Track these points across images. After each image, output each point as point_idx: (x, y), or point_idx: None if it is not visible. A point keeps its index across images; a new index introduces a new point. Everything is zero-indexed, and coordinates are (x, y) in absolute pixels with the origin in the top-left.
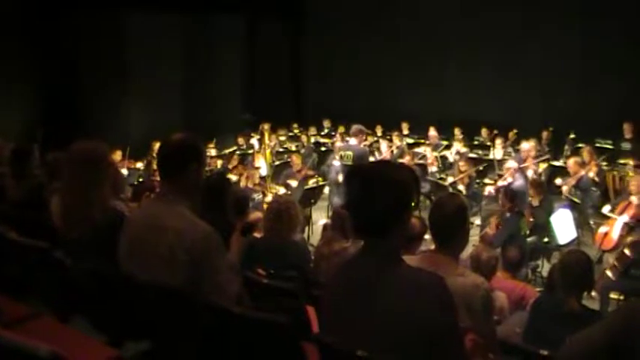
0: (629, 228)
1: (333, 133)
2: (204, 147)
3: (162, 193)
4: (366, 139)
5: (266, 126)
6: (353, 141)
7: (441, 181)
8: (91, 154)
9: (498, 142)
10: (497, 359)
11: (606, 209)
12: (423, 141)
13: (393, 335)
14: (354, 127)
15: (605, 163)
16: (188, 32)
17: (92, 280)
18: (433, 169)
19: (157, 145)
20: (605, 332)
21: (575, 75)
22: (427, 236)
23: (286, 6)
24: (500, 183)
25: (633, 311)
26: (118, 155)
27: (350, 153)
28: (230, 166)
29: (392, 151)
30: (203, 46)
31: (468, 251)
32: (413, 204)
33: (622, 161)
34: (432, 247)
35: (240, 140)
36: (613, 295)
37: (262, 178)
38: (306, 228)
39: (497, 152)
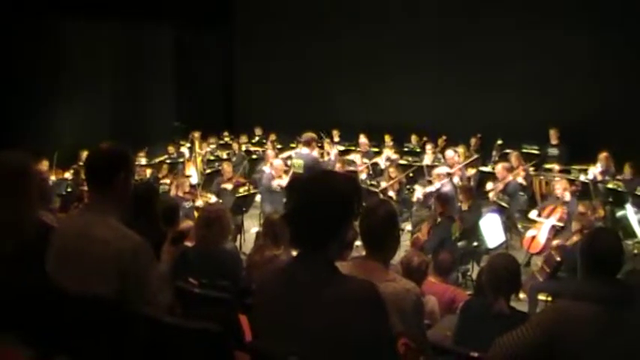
0: (555, 231)
1: (264, 141)
2: (132, 156)
3: (90, 203)
4: (315, 148)
5: (196, 134)
6: (305, 150)
7: (371, 188)
8: (14, 166)
9: (428, 148)
10: None
11: (533, 214)
12: (353, 148)
13: (326, 343)
14: (305, 136)
15: (532, 169)
16: (118, 40)
17: (20, 294)
18: (364, 175)
19: (85, 155)
20: (533, 332)
21: (502, 82)
22: (358, 242)
23: (216, 13)
24: (428, 189)
25: (560, 311)
26: (44, 165)
27: (301, 161)
28: (160, 175)
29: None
30: (133, 54)
31: (399, 256)
32: (353, 214)
33: (548, 166)
34: (363, 253)
35: (171, 149)
36: (541, 297)
37: (193, 186)
38: (238, 236)
39: (427, 158)
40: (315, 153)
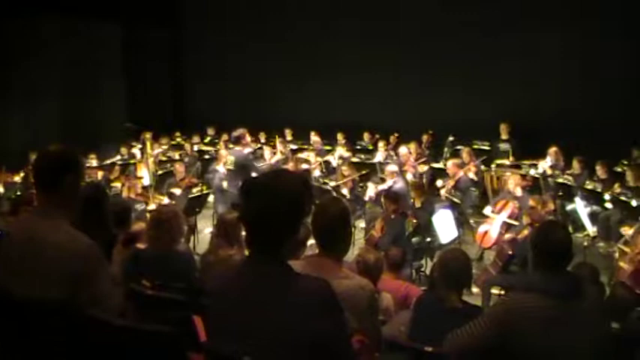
0: (507, 226)
1: (216, 141)
2: (81, 158)
3: (39, 206)
4: (248, 144)
5: (148, 135)
6: (236, 147)
7: (324, 186)
8: None
9: (381, 145)
10: (384, 358)
11: (487, 210)
12: (306, 146)
13: (282, 343)
14: (234, 133)
15: (483, 165)
16: (67, 39)
17: None
18: (317, 173)
19: (34, 157)
20: (486, 324)
21: (453, 79)
22: (311, 241)
23: (167, 12)
24: (381, 187)
25: (512, 303)
26: None
27: (232, 158)
28: (112, 177)
29: (276, 158)
30: (82, 53)
31: (353, 254)
32: (305, 212)
33: (499, 161)
34: (317, 251)
35: (123, 150)
36: (494, 291)
37: (145, 187)
38: (192, 237)
39: (379, 156)
40: (248, 149)
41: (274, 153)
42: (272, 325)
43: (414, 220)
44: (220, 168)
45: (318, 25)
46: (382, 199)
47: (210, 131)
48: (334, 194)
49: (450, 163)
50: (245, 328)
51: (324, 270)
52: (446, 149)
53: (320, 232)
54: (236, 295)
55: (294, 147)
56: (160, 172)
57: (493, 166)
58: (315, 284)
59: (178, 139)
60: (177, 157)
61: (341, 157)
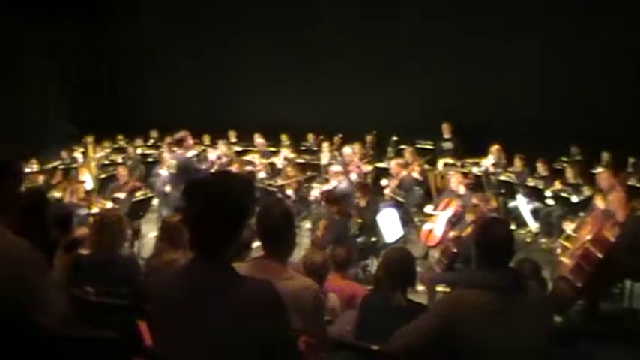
0: (451, 224)
1: (159, 144)
2: (20, 162)
3: None
4: (191, 147)
5: (90, 139)
6: (179, 150)
7: (269, 188)
8: None
9: (325, 146)
10: (330, 358)
11: (429, 209)
12: (251, 148)
13: (227, 346)
14: (176, 136)
15: (427, 164)
16: (6, 39)
17: None
18: (262, 175)
19: None
20: (430, 320)
21: (396, 79)
22: (257, 243)
23: (108, 13)
24: (326, 187)
25: (456, 299)
26: None
27: (174, 162)
28: (54, 182)
29: (220, 160)
30: (23, 55)
31: (299, 255)
32: (249, 214)
33: (442, 160)
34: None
35: (64, 154)
36: (439, 288)
37: (88, 192)
38: (136, 241)
39: (324, 157)
40: (192, 152)
41: (219, 156)
42: (216, 328)
43: (359, 220)
44: (163, 172)
45: (261, 26)
46: (326, 200)
47: (154, 134)
48: (279, 196)
49: (394, 162)
50: (189, 331)
51: (269, 272)
52: (389, 149)
53: (264, 234)
54: (179, 298)
55: (239, 149)
56: (102, 176)
57: (439, 165)
58: (259, 286)
59: (121, 143)
60: (120, 160)
61: (286, 159)
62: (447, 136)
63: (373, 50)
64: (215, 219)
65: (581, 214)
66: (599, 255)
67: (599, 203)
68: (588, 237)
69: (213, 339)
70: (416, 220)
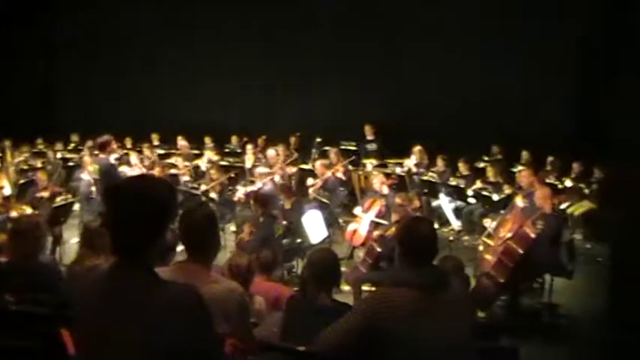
0: (376, 224)
1: (80, 148)
2: None
3: None
4: (114, 151)
5: (7, 143)
6: (102, 154)
7: (193, 190)
8: None
9: (249, 148)
10: None
11: (358, 210)
12: (174, 151)
13: (150, 353)
14: (99, 140)
15: (351, 164)
16: None
17: None
18: (185, 178)
19: None
20: (356, 319)
21: (319, 81)
22: (181, 247)
23: (27, 14)
24: (250, 189)
25: (380, 298)
26: None
27: (97, 166)
28: None
29: (142, 163)
30: None
31: (225, 258)
32: (170, 217)
33: (366, 161)
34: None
35: None
36: (365, 287)
37: (6, 198)
38: (57, 248)
39: (248, 159)
40: (114, 156)
41: (142, 159)
42: (140, 334)
43: (284, 222)
44: (85, 176)
45: (182, 27)
46: (251, 202)
47: (75, 137)
48: (203, 199)
49: (318, 163)
50: (113, 338)
51: (193, 276)
52: (314, 150)
53: (187, 237)
54: (100, 305)
55: (162, 152)
56: (21, 181)
57: (368, 166)
58: (181, 291)
59: (40, 147)
60: (39, 165)
61: (210, 161)
62: (370, 137)
63: (295, 52)
64: (136, 223)
65: (502, 211)
66: (520, 251)
67: (519, 201)
68: (509, 234)
69: (135, 346)
70: (340, 220)
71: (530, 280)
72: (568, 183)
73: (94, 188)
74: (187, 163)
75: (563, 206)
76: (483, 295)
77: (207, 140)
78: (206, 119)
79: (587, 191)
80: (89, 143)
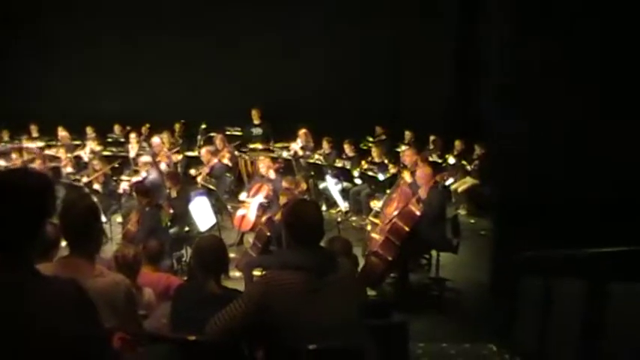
0: (264, 208)
1: None
2: None
3: None
4: None
5: None
6: None
7: (76, 182)
8: None
9: (132, 137)
10: (147, 352)
11: (244, 196)
12: (54, 142)
13: (37, 352)
14: None
15: (237, 150)
16: None
17: None
18: (68, 170)
19: None
20: (245, 304)
21: (202, 66)
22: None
23: None
24: (135, 179)
25: (268, 281)
26: None
27: None
28: None
29: (21, 156)
30: None
31: (112, 250)
32: (48, 211)
33: (252, 146)
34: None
35: None
36: (256, 272)
37: None
38: None
39: (132, 148)
40: None
41: (19, 151)
42: (22, 334)
43: (171, 211)
44: None
45: (59, 14)
46: (135, 192)
47: None
48: (87, 190)
49: (204, 150)
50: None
51: (77, 270)
52: (199, 137)
53: (68, 231)
54: None
55: (41, 144)
56: None
57: (257, 151)
58: (64, 286)
59: None
60: None
61: (92, 152)
62: (256, 122)
63: (176, 39)
64: (11, 218)
65: (388, 191)
66: (407, 229)
67: (404, 179)
68: (395, 212)
69: (19, 346)
70: (228, 206)
71: (417, 256)
72: (451, 160)
73: None
74: (69, 154)
75: (447, 183)
76: (373, 273)
77: (89, 130)
78: (87, 108)
79: (469, 168)
80: None
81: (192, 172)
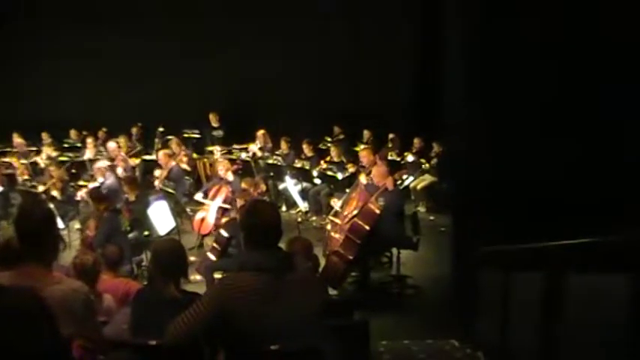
0: (223, 210)
1: None
2: None
3: None
4: None
5: None
6: None
7: (32, 190)
8: None
9: (89, 142)
10: (108, 359)
11: (199, 196)
12: (9, 149)
13: None
14: None
15: (195, 153)
16: None
17: None
18: (24, 177)
19: None
20: (204, 307)
21: (159, 69)
22: None
23: None
24: (92, 184)
25: (227, 284)
26: None
27: None
28: None
29: None
30: None
31: (71, 256)
32: None
33: (211, 148)
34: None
35: None
36: (217, 275)
37: None
38: None
39: (88, 153)
40: None
41: None
42: None
43: (130, 215)
44: None
45: (20, 23)
46: (91, 198)
47: None
48: (44, 197)
49: (161, 153)
50: None
51: (34, 278)
52: (156, 140)
53: (24, 238)
54: None
55: None
56: None
57: (215, 153)
58: (19, 296)
59: None
60: None
61: (48, 158)
62: (215, 124)
63: (134, 42)
64: None
65: (347, 190)
66: (367, 227)
67: (362, 179)
68: (355, 211)
69: None
70: (187, 209)
71: (378, 254)
72: (410, 158)
73: None
74: (24, 161)
75: (406, 181)
76: (334, 273)
77: (45, 136)
78: (42, 114)
79: (427, 165)
80: None
81: (157, 173)
